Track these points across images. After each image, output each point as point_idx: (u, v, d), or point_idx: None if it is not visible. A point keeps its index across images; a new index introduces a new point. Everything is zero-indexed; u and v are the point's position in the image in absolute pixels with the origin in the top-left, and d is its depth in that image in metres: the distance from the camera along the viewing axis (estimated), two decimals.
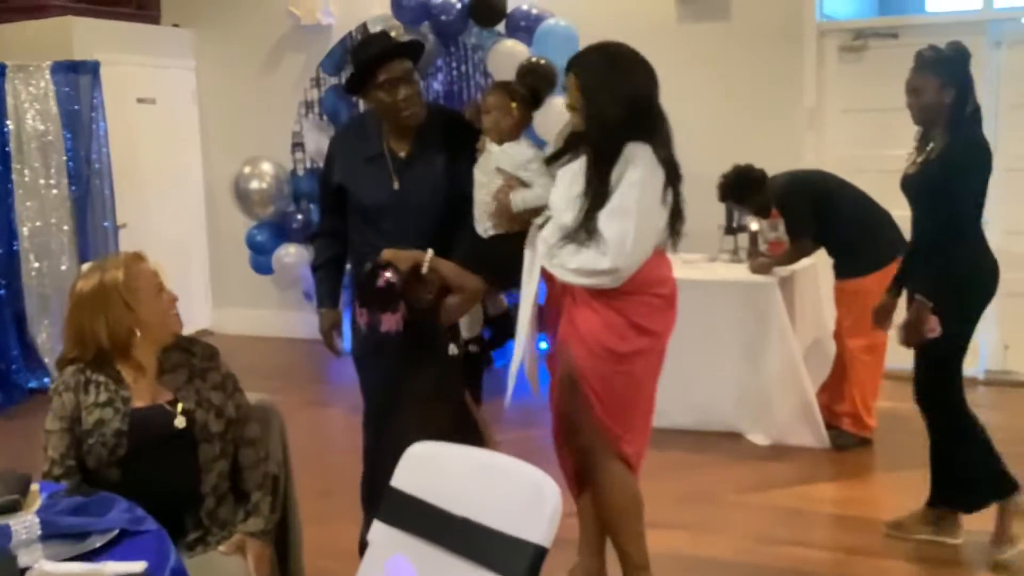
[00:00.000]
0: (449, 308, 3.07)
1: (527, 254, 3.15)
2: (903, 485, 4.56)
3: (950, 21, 6.35)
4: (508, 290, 3.46)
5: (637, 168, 2.91)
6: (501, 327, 3.44)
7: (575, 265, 2.97)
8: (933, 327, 3.68)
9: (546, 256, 3.03)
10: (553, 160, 3.16)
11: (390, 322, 2.87)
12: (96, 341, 2.51)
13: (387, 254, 2.97)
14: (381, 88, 3.16)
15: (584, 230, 2.92)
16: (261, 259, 7.66)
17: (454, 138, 3.34)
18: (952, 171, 3.61)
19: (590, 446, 3.16)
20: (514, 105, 3.19)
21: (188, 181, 8.47)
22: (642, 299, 3.02)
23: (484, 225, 3.23)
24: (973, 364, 6.30)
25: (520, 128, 3.22)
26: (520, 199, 3.12)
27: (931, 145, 3.73)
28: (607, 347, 3.02)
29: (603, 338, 3.01)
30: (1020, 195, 6.16)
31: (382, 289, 2.88)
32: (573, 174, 3.01)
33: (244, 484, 2.64)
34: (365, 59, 3.19)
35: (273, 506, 2.65)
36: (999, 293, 6.14)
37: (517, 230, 3.18)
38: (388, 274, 2.88)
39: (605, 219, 2.90)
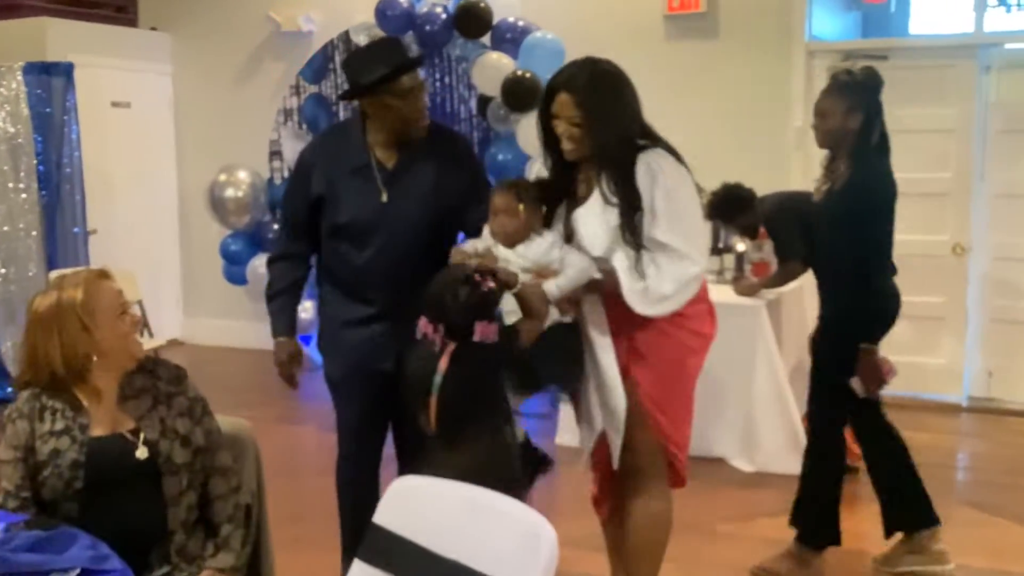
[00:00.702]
0: (527, 332, 2.84)
1: (593, 330, 2.95)
2: None
3: (941, 44, 6.30)
4: (560, 386, 3.19)
5: (667, 172, 2.83)
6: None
7: (671, 288, 2.81)
8: (890, 367, 3.65)
9: (645, 303, 2.83)
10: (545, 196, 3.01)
11: (487, 331, 2.68)
12: (49, 364, 2.34)
13: (489, 262, 2.81)
14: (407, 94, 3.02)
15: (640, 251, 2.82)
16: (235, 269, 7.50)
17: (442, 151, 3.20)
18: (855, 204, 3.53)
19: (644, 467, 3.05)
20: (521, 207, 2.94)
21: (161, 188, 8.31)
22: (699, 307, 2.97)
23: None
24: (956, 391, 6.26)
25: (529, 229, 2.96)
26: (555, 286, 2.83)
27: (837, 172, 3.65)
28: (681, 364, 2.98)
29: (677, 356, 2.96)
30: (1007, 222, 6.13)
31: (485, 295, 2.68)
32: (599, 213, 2.86)
33: (214, 516, 2.47)
34: (402, 63, 3.04)
35: (245, 539, 2.48)
36: (984, 319, 6.21)
37: (563, 320, 2.94)
38: (492, 283, 2.70)
39: (667, 229, 2.80)
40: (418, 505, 1.99)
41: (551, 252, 2.88)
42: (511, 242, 2.93)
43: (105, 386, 2.40)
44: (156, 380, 2.47)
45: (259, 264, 7.31)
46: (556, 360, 2.90)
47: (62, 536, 1.96)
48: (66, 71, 6.80)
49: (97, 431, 2.36)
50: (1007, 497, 4.65)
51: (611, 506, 3.25)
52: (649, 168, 2.83)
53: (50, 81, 6.74)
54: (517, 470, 2.77)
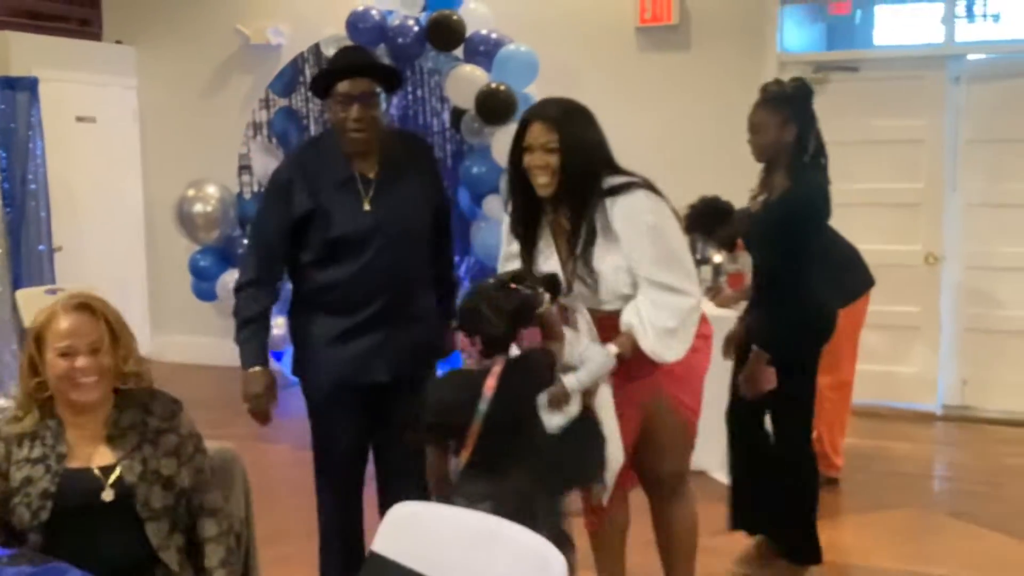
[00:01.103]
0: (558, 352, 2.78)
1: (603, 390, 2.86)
2: (871, 528, 4.48)
3: (910, 55, 6.34)
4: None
5: (649, 210, 2.82)
6: None
7: (673, 321, 2.80)
8: (770, 379, 3.58)
9: (660, 345, 2.81)
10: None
11: (534, 336, 2.62)
12: (24, 381, 2.30)
13: (516, 272, 2.74)
14: (336, 101, 2.99)
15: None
16: (204, 285, 7.38)
17: (418, 160, 3.23)
18: (790, 215, 3.51)
19: (683, 472, 3.17)
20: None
21: (127, 203, 8.18)
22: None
23: (552, 422, 2.76)
24: (931, 399, 6.29)
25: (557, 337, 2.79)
26: (576, 380, 2.71)
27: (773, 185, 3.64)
28: (699, 370, 3.07)
29: (695, 362, 3.01)
30: (978, 231, 6.17)
31: (527, 297, 2.61)
32: (608, 256, 2.85)
33: (205, 560, 2.35)
34: (331, 68, 3.05)
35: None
36: (958, 328, 6.24)
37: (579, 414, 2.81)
38: (527, 290, 2.64)
39: (659, 268, 2.80)
40: (419, 532, 1.95)
41: (572, 352, 2.77)
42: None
43: (87, 419, 2.32)
44: (147, 416, 2.38)
45: (229, 280, 7.21)
46: (582, 462, 2.74)
47: (51, 571, 1.88)
48: (30, 86, 6.69)
49: (73, 463, 2.28)
50: (988, 507, 4.67)
51: (613, 515, 3.22)
52: (629, 211, 2.80)
53: (14, 96, 6.64)
54: (562, 484, 2.68)
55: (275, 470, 5.56)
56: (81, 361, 2.27)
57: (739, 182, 6.07)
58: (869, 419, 5.91)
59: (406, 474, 3.15)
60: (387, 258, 3.03)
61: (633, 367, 2.86)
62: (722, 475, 5.10)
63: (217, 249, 7.31)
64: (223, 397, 6.99)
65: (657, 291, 2.81)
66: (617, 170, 2.90)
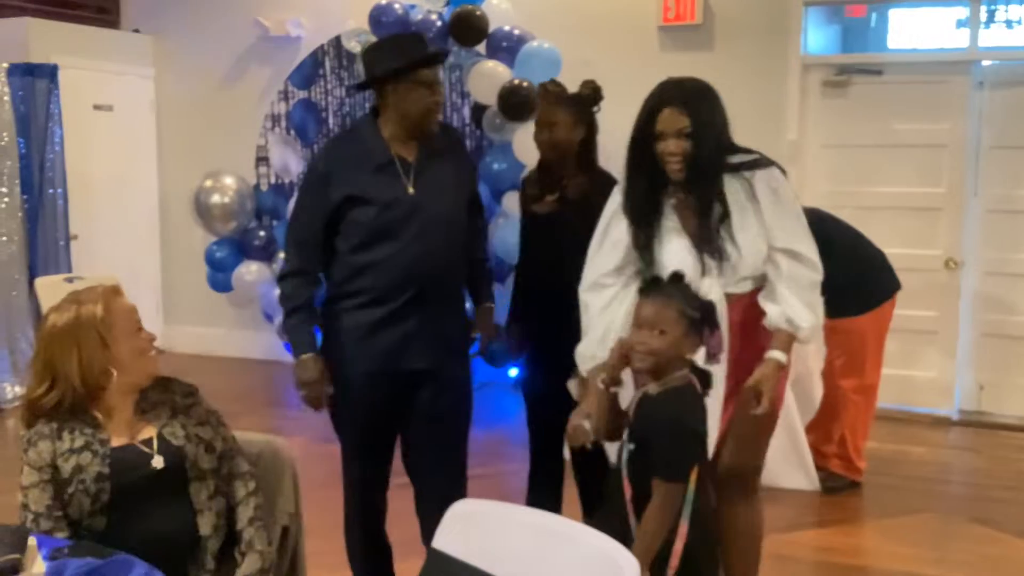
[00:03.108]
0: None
1: None
2: (894, 532, 4.47)
3: (934, 59, 6.32)
4: None
5: (787, 183, 2.91)
6: None
7: (814, 294, 2.88)
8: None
9: (812, 319, 2.84)
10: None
11: (719, 339, 2.63)
12: (68, 380, 2.29)
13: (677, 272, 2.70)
14: (424, 86, 3.05)
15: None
16: (220, 276, 7.36)
17: (452, 146, 3.31)
18: (591, 214, 3.38)
19: (754, 467, 3.09)
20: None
21: (142, 193, 8.15)
22: None
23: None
24: (948, 404, 6.29)
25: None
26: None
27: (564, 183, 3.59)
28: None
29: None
30: (1000, 237, 6.15)
31: (705, 304, 2.59)
32: (744, 231, 2.86)
33: (236, 522, 2.44)
34: (426, 55, 3.10)
35: (269, 541, 2.45)
36: (975, 334, 6.24)
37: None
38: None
39: (805, 239, 2.87)
40: (481, 529, 1.93)
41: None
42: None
43: (119, 403, 2.37)
44: (171, 395, 2.47)
45: (245, 271, 7.20)
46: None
47: (117, 564, 1.87)
48: (50, 73, 6.65)
49: (116, 442, 2.33)
50: (1009, 512, 4.67)
51: None
52: (776, 185, 2.87)
53: (33, 83, 6.60)
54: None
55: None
56: (146, 333, 2.40)
57: None
58: (886, 423, 5.90)
59: (437, 464, 3.18)
60: (426, 241, 3.05)
61: (745, 353, 2.86)
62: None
63: (233, 240, 7.29)
64: (236, 389, 7.02)
65: (794, 263, 2.85)
66: (737, 147, 2.93)
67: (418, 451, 3.26)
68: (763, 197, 2.84)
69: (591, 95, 3.59)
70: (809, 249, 2.88)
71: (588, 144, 3.56)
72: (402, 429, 3.24)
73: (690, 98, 2.85)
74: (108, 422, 2.34)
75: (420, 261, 3.05)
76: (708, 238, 2.85)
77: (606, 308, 2.97)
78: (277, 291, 3.20)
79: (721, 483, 3.02)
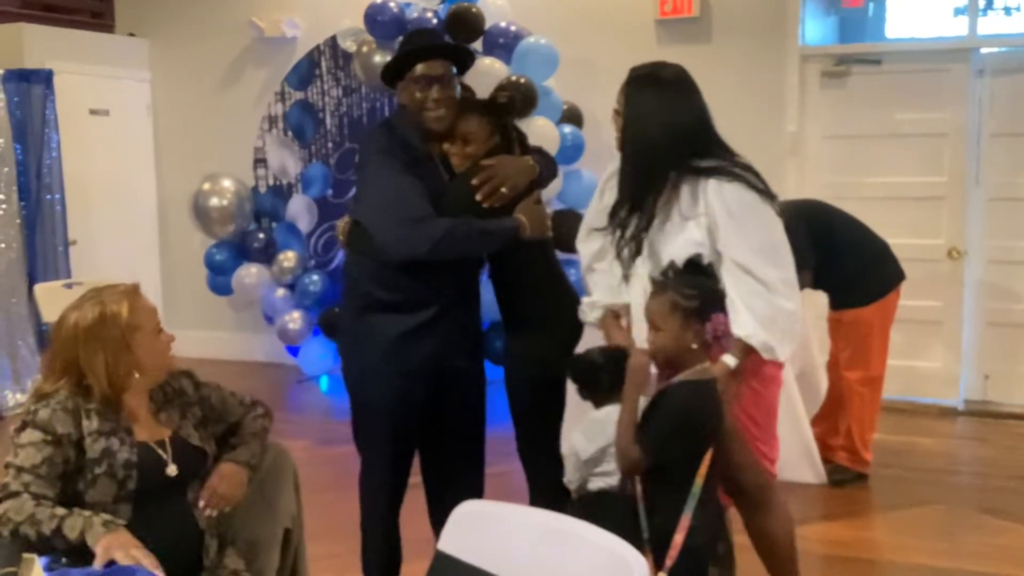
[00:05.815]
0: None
1: None
2: (904, 523, 4.44)
3: (934, 48, 6.28)
4: None
5: (734, 194, 2.81)
6: None
7: (769, 309, 2.74)
8: None
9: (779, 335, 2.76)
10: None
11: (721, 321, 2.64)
12: (96, 381, 2.28)
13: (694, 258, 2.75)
14: (416, 83, 2.96)
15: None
16: (219, 279, 7.33)
17: None
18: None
19: (757, 484, 2.96)
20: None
21: (140, 197, 8.12)
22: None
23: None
24: (953, 395, 6.26)
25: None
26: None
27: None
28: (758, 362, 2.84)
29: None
30: (1002, 225, 6.13)
31: (713, 290, 2.65)
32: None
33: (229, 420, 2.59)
34: (409, 50, 3.02)
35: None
36: (980, 323, 6.21)
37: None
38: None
39: (760, 253, 2.76)
40: (486, 531, 1.90)
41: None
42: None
43: (137, 403, 2.37)
44: (179, 389, 2.51)
45: (244, 274, 7.17)
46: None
47: (119, 573, 1.84)
48: (45, 78, 6.63)
49: (141, 437, 2.34)
50: (1020, 502, 4.63)
51: None
52: (721, 198, 2.79)
53: (29, 88, 6.57)
54: None
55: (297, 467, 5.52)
56: (166, 334, 2.44)
57: None
58: (891, 414, 5.87)
59: (460, 464, 3.18)
60: None
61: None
62: None
63: (232, 243, 7.26)
64: (237, 392, 6.97)
65: (743, 275, 2.78)
66: (715, 148, 2.93)
67: (445, 448, 3.22)
68: (715, 209, 2.76)
69: (505, 104, 3.39)
70: (763, 267, 2.75)
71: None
72: (428, 435, 3.19)
73: (630, 81, 2.86)
74: (130, 419, 2.35)
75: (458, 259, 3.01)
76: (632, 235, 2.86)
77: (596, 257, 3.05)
78: (438, 236, 2.85)
79: (733, 498, 3.01)
